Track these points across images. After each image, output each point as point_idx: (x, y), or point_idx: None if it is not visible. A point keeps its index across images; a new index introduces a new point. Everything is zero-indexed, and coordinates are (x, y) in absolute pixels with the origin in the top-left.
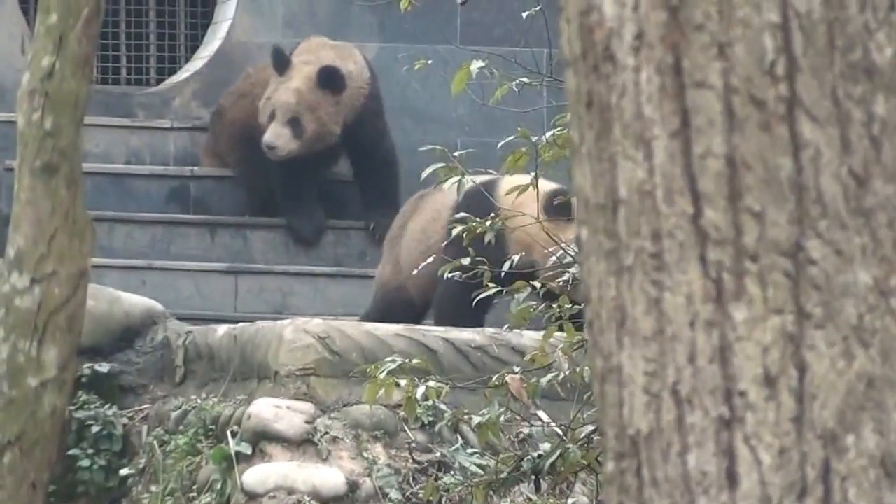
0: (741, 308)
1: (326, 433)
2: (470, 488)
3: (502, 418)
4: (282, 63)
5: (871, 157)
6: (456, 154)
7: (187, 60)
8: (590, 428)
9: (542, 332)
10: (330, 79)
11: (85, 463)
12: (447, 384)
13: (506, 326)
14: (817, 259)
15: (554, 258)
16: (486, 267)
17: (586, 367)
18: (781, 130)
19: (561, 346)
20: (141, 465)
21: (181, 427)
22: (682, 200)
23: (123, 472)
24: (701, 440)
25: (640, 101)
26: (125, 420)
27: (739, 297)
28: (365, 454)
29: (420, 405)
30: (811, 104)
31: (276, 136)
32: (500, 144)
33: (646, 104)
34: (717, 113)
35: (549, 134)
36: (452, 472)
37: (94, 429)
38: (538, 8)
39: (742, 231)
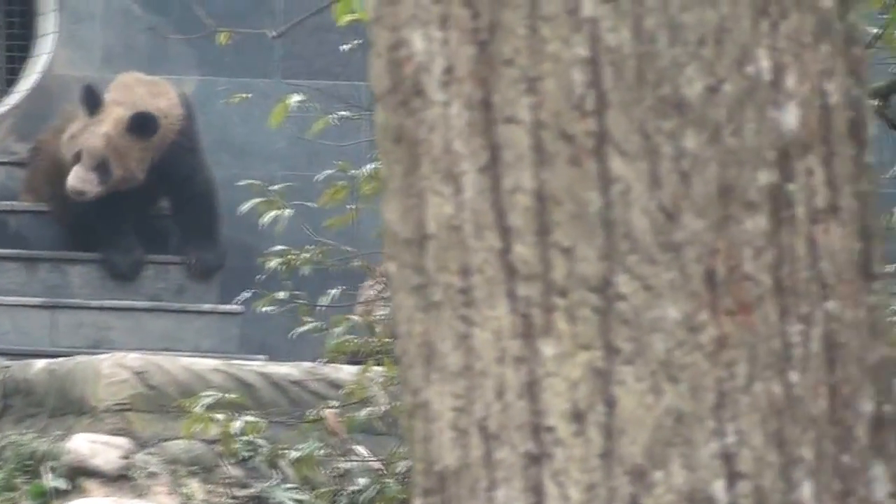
0: (550, 344)
1: (144, 468)
2: None
3: (320, 453)
4: (92, 102)
5: (681, 192)
6: (275, 188)
7: (4, 94)
8: (408, 462)
9: (360, 367)
10: (141, 125)
11: None
12: (264, 419)
13: (322, 360)
14: (626, 294)
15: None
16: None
17: None
18: (591, 165)
19: (379, 380)
20: None
21: None
22: (491, 236)
23: None
24: (509, 476)
25: (448, 136)
26: None
27: (548, 332)
28: (182, 489)
29: (237, 440)
30: (621, 139)
31: (82, 182)
32: (319, 178)
33: (455, 139)
34: (526, 148)
35: (368, 167)
36: None
37: None
38: (358, 42)
39: (551, 266)
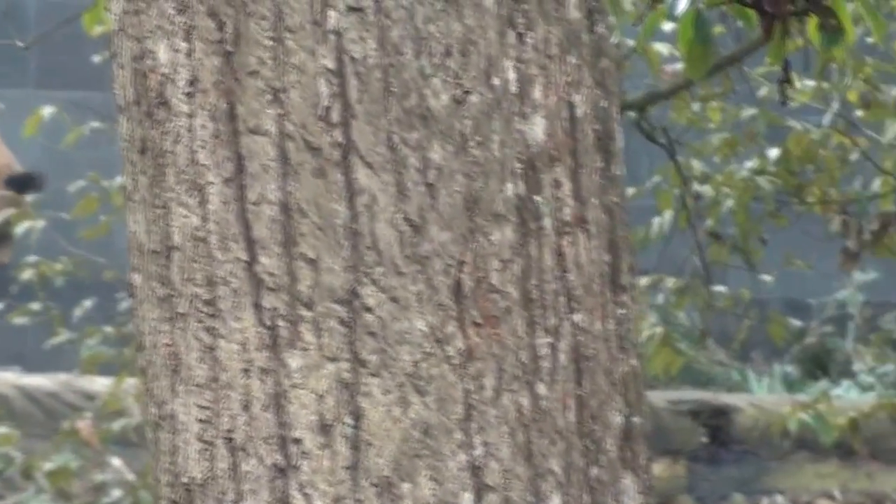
0: (296, 355)
1: None
2: None
3: (74, 465)
4: None
5: (427, 203)
6: (28, 199)
7: None
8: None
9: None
10: None
11: None
12: (18, 431)
13: (77, 372)
14: (373, 306)
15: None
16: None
17: None
18: (336, 177)
19: (133, 391)
20: None
21: None
22: (237, 247)
23: None
24: (255, 488)
25: (193, 147)
26: None
27: (294, 344)
28: None
29: None
30: (366, 150)
31: None
32: (72, 189)
33: (200, 150)
34: (272, 159)
35: (120, 178)
36: None
37: None
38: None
39: (297, 278)
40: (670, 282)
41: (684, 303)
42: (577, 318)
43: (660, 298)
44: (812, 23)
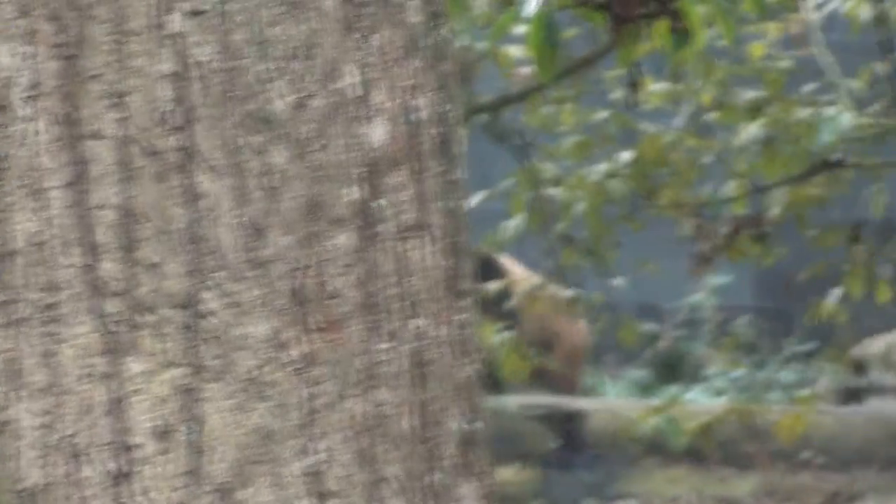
0: (136, 361)
1: None
2: None
3: None
4: None
5: (268, 208)
6: None
7: None
8: None
9: None
10: None
11: None
12: None
13: None
14: (213, 311)
15: None
16: None
17: None
18: (177, 181)
19: None
20: None
21: None
22: (78, 252)
23: None
24: (96, 494)
25: (35, 151)
26: None
27: (134, 349)
28: None
29: None
30: (208, 154)
31: None
32: None
33: (41, 155)
34: (113, 163)
35: None
36: None
37: None
38: None
39: (138, 283)
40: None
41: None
42: (418, 322)
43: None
44: (662, 26)
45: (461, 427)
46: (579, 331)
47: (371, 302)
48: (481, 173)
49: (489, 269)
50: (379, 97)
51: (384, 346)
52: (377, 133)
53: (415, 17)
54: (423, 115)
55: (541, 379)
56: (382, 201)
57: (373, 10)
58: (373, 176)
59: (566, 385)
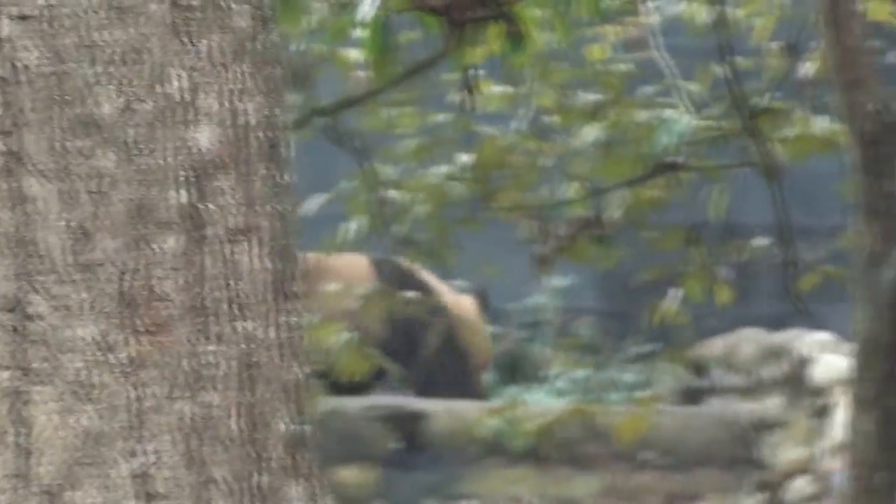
0: None
1: None
2: None
3: None
4: None
5: (97, 211)
6: None
7: None
8: None
9: None
10: None
11: None
12: None
13: None
14: (40, 314)
15: None
16: None
17: None
18: (5, 185)
19: None
20: None
21: None
22: None
23: None
24: None
25: None
26: None
27: None
28: None
29: None
30: (35, 158)
31: None
32: None
33: None
34: None
35: None
36: None
37: None
38: None
39: None
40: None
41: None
42: (245, 325)
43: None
44: (496, 30)
45: (289, 429)
46: (484, 338)
47: (198, 305)
48: (322, 175)
49: (410, 285)
50: (206, 101)
51: (212, 348)
52: (205, 137)
53: (242, 21)
54: (251, 119)
55: (447, 384)
56: (209, 205)
57: (200, 15)
58: (200, 180)
59: (473, 390)
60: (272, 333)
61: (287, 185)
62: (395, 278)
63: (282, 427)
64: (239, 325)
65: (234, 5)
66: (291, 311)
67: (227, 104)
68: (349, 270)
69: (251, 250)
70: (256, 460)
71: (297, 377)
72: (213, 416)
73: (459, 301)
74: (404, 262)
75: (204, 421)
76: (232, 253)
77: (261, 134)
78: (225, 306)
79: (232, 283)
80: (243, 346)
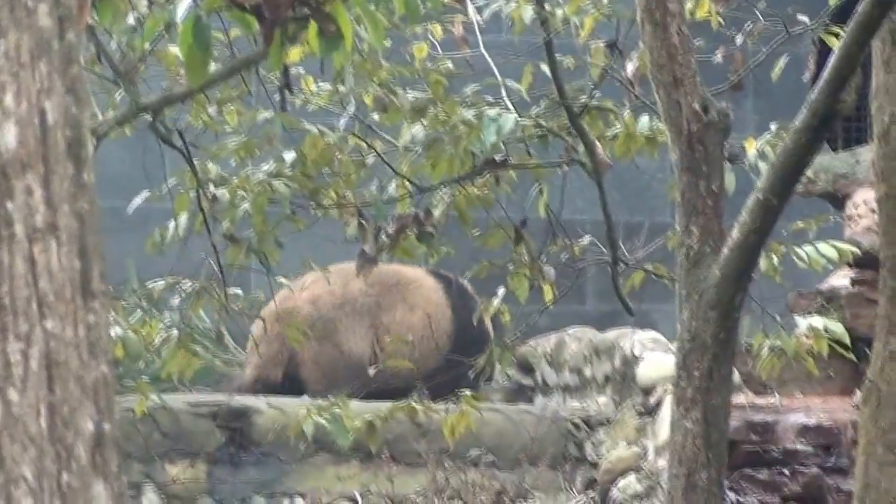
0: None
1: None
2: None
3: None
4: None
5: None
6: None
7: None
8: None
9: None
10: None
11: None
12: None
13: None
14: None
15: None
16: None
17: None
18: None
19: None
20: None
21: None
22: None
23: None
24: None
25: None
26: None
27: None
28: None
29: None
30: None
31: None
32: None
33: None
34: None
35: None
36: None
37: None
38: None
39: None
40: (187, 284)
41: (201, 305)
42: (48, 324)
43: (176, 301)
44: (314, 29)
45: (92, 428)
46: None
47: (2, 303)
48: (146, 172)
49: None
50: (7, 101)
51: (15, 347)
52: (7, 137)
53: (44, 20)
54: (53, 118)
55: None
56: (11, 204)
57: (2, 14)
58: (2, 179)
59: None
60: (76, 332)
61: (88, 184)
62: (458, 293)
63: (86, 426)
64: (42, 323)
65: (36, 4)
66: (95, 309)
67: (28, 104)
68: (420, 286)
69: (54, 249)
70: (61, 459)
71: (102, 376)
72: (17, 414)
73: None
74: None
75: (7, 419)
76: (34, 252)
77: (63, 133)
78: (28, 305)
79: (34, 281)
80: (47, 344)
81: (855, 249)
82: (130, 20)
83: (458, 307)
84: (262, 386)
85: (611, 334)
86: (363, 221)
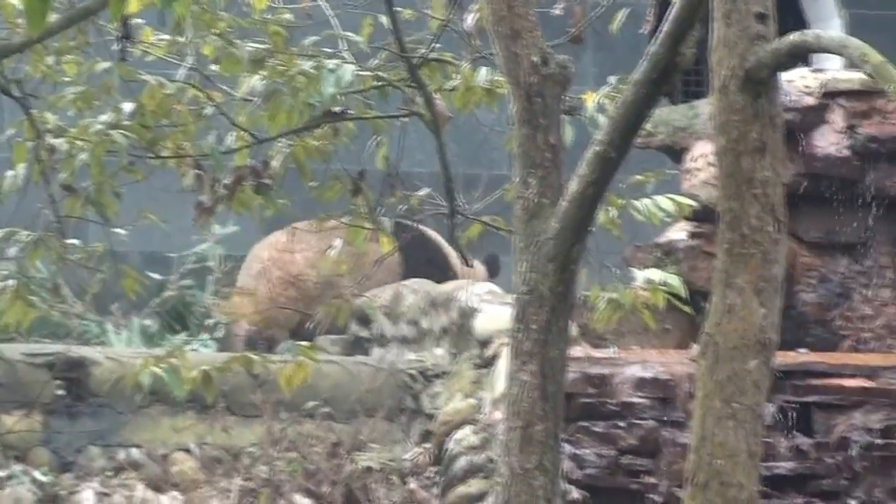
0: None
1: None
2: None
3: None
4: None
5: None
6: None
7: None
8: None
9: None
10: None
11: None
12: None
13: None
14: None
15: None
16: None
17: None
18: None
19: None
20: None
21: None
22: None
23: None
24: None
25: None
26: None
27: None
28: None
29: None
30: None
31: None
32: None
33: None
34: None
35: None
36: None
37: None
38: None
39: None
40: (24, 234)
41: (38, 255)
42: None
43: (13, 251)
44: None
45: None
46: None
47: None
48: None
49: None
50: None
51: None
52: None
53: None
54: None
55: None
56: None
57: None
58: None
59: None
60: None
61: None
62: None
63: None
64: None
65: None
66: None
67: None
68: None
69: None
70: None
71: None
72: None
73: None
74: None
75: None
76: None
77: None
78: None
79: None
80: None
81: (693, 203)
82: None
83: (406, 250)
84: (266, 343)
85: (447, 286)
86: (200, 172)
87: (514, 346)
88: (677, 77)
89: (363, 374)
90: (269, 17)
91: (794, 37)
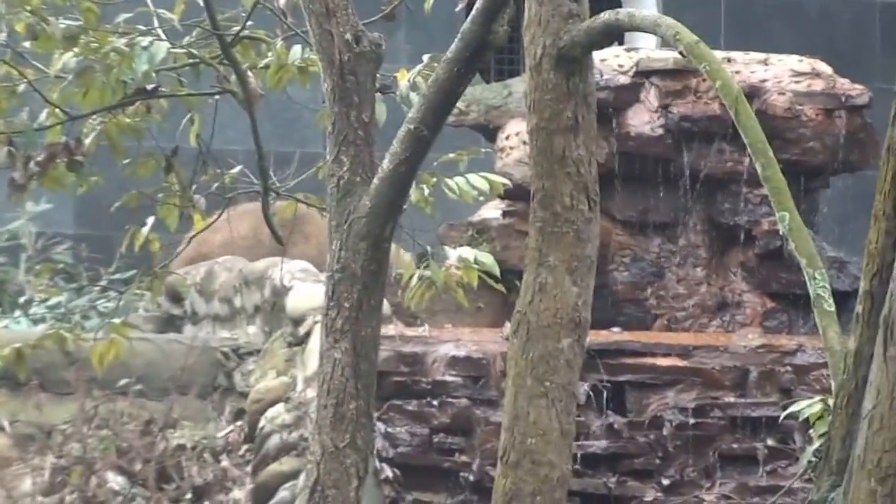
0: None
1: None
2: None
3: None
4: None
5: None
6: None
7: None
8: None
9: None
10: None
11: None
12: None
13: None
14: None
15: None
16: None
17: None
18: None
19: None
20: None
21: None
22: None
23: None
24: None
25: None
26: None
27: None
28: None
29: None
30: None
31: None
32: None
33: None
34: None
35: None
36: None
37: None
38: None
39: None
40: None
41: None
42: None
43: None
44: None
45: None
46: None
47: None
48: None
49: None
50: None
51: None
52: None
53: None
54: None
55: None
56: None
57: None
58: None
59: None
60: None
61: None
62: None
63: None
64: None
65: None
66: None
67: None
68: (313, 217)
69: None
70: None
71: None
72: None
73: None
74: None
75: None
76: None
77: None
78: None
79: None
80: None
81: (506, 181)
82: None
83: None
84: None
85: (260, 263)
86: (13, 150)
87: (326, 324)
88: (490, 55)
89: (176, 352)
90: None
91: (607, 15)
